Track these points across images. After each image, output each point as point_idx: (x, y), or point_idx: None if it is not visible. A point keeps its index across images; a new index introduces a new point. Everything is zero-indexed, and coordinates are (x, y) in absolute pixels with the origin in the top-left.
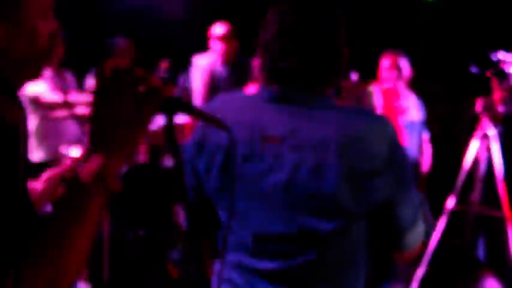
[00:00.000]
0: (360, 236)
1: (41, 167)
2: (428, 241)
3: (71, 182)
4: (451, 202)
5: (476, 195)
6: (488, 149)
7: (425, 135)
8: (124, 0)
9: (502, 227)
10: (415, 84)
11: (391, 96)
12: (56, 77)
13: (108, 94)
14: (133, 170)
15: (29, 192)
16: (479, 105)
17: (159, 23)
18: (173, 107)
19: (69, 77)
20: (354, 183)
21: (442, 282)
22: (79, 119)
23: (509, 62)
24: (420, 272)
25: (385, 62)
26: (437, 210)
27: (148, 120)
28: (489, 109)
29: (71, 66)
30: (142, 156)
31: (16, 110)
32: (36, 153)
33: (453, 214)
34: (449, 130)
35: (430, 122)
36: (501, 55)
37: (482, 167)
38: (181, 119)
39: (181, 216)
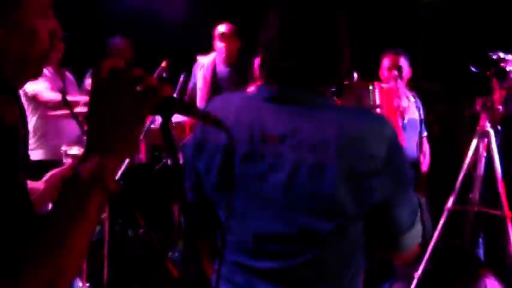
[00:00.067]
0: (359, 236)
1: (40, 166)
2: (426, 243)
3: (69, 182)
4: (450, 201)
5: (475, 194)
6: (488, 149)
7: (425, 135)
8: (124, 0)
9: (501, 226)
10: (415, 84)
11: (391, 96)
12: (56, 76)
13: (105, 94)
14: (132, 169)
15: (28, 192)
16: (478, 104)
17: (159, 22)
18: (171, 107)
19: (69, 77)
20: (353, 183)
21: (442, 281)
22: (79, 118)
23: (509, 61)
24: (420, 271)
25: (385, 62)
26: (437, 209)
27: (145, 120)
28: (489, 109)
29: (71, 66)
30: (142, 156)
31: (16, 110)
32: (36, 153)
33: (453, 214)
34: (449, 130)
35: (430, 122)
36: (501, 54)
37: (482, 166)
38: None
39: (180, 215)
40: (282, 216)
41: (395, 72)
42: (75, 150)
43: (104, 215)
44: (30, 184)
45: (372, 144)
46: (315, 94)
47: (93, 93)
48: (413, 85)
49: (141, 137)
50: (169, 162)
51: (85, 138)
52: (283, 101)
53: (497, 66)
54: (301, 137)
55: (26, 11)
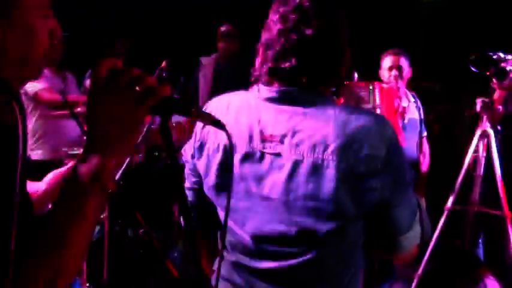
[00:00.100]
0: (358, 236)
1: (40, 166)
2: (424, 244)
3: (68, 182)
4: (450, 201)
5: (475, 194)
6: (488, 149)
7: (425, 135)
8: (124, 0)
9: (501, 226)
10: (415, 84)
11: (391, 96)
12: (56, 77)
13: (104, 94)
14: (132, 169)
15: (27, 192)
16: (478, 104)
17: (159, 22)
18: (170, 107)
19: (69, 77)
20: (352, 183)
21: (442, 281)
22: (79, 118)
23: (509, 61)
24: (419, 271)
25: (385, 62)
26: (437, 209)
27: (145, 120)
28: (489, 109)
29: (71, 66)
30: (142, 156)
31: (15, 110)
32: (36, 153)
33: (453, 213)
34: (449, 130)
35: (430, 122)
36: (501, 54)
37: (482, 166)
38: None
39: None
40: (281, 216)
41: (396, 72)
42: (77, 151)
43: (104, 215)
44: (31, 184)
45: (372, 145)
46: (315, 94)
47: (92, 93)
48: (413, 85)
49: (141, 137)
50: (168, 162)
51: (85, 138)
52: (283, 101)
53: (497, 66)
54: (301, 137)
55: (25, 11)
